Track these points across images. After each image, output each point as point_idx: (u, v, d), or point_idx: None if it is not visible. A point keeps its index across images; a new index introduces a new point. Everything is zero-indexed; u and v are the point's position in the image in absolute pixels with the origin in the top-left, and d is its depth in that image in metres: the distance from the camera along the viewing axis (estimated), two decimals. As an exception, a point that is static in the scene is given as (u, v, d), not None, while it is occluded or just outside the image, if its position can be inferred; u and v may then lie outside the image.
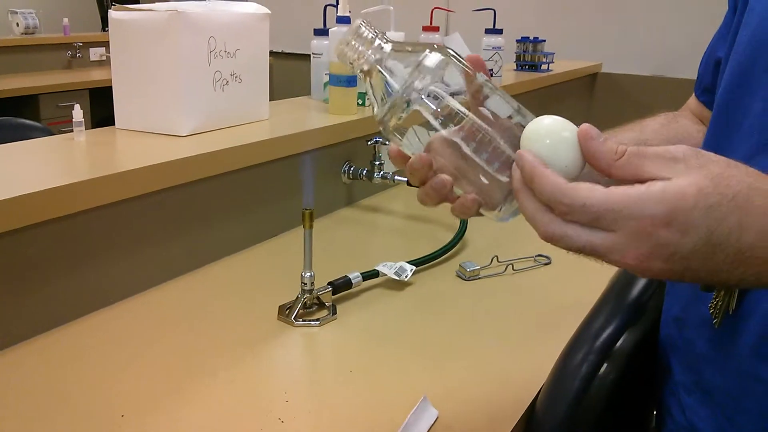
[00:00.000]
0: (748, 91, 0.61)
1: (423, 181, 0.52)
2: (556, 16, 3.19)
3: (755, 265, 0.42)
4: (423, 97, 0.49)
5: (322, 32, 1.50)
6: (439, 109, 0.49)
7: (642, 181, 0.42)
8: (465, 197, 0.51)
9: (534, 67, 2.36)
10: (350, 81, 1.37)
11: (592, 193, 0.42)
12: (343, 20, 1.34)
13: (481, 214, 0.53)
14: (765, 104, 0.59)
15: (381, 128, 0.52)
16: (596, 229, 0.42)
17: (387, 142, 1.37)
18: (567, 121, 0.46)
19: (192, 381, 0.76)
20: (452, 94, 0.49)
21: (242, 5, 1.24)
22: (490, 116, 0.49)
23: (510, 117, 0.50)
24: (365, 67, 0.52)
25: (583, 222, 0.43)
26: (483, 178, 0.50)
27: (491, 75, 1.88)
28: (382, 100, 0.51)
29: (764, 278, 0.43)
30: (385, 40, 0.52)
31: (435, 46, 0.50)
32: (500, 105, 0.50)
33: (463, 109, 0.49)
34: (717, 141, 0.65)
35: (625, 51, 3.04)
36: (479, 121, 0.49)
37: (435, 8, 2.03)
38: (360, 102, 1.45)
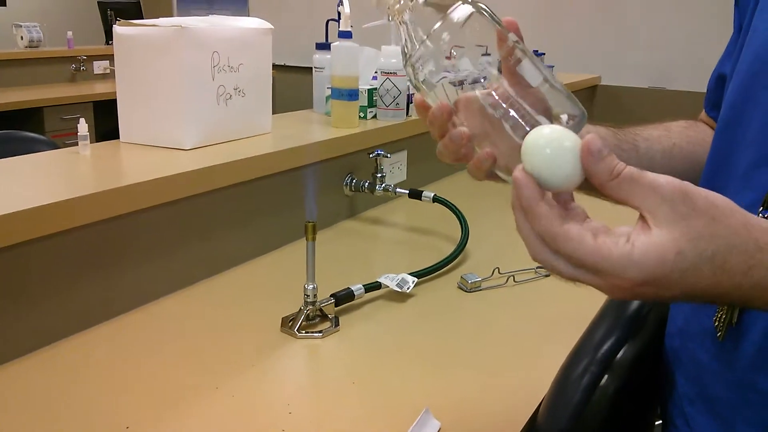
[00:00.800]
0: (750, 107, 0.62)
1: (442, 134, 0.52)
2: (555, 30, 3.21)
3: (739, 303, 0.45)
4: (449, 50, 0.48)
5: (323, 46, 1.52)
6: (465, 68, 0.49)
7: (628, 205, 0.44)
8: (481, 152, 0.51)
9: (534, 79, 2.37)
10: (352, 94, 1.38)
11: (580, 244, 0.43)
12: (345, 35, 1.35)
13: (496, 176, 0.52)
14: (765, 119, 0.60)
15: (409, 79, 0.51)
16: (582, 270, 0.45)
17: (389, 155, 1.38)
18: (568, 130, 0.46)
19: (195, 392, 0.76)
20: (483, 54, 0.48)
21: (245, 20, 1.25)
22: (519, 80, 0.48)
23: (539, 85, 0.49)
24: (399, 15, 0.52)
25: (569, 263, 0.45)
26: (506, 142, 0.49)
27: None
28: (411, 49, 0.51)
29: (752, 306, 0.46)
30: None
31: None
32: (531, 71, 0.49)
33: (493, 70, 0.48)
34: (720, 156, 0.66)
35: (623, 64, 3.06)
36: (507, 86, 0.48)
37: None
38: (362, 115, 1.46)
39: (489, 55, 0.49)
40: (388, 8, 0.52)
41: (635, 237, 0.43)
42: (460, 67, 0.49)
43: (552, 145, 0.45)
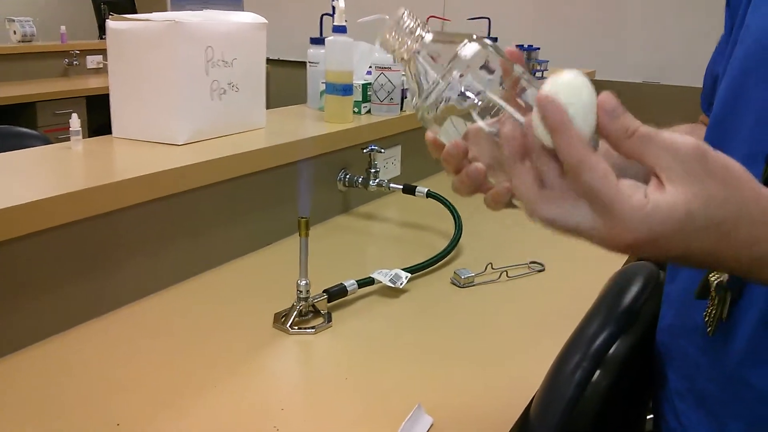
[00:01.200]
0: (741, 104, 0.63)
1: (458, 170, 0.52)
2: (550, 25, 3.21)
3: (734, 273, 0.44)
4: (461, 87, 0.49)
5: (318, 41, 1.51)
6: (476, 101, 0.49)
7: (643, 163, 0.43)
8: (499, 186, 0.50)
9: (529, 74, 2.37)
10: (346, 89, 1.38)
11: (604, 179, 0.42)
12: (340, 29, 1.35)
13: (513, 206, 0.52)
14: (757, 116, 0.60)
15: (418, 116, 0.52)
16: (587, 208, 0.43)
17: (382, 150, 1.37)
18: (586, 79, 0.45)
19: (187, 389, 0.76)
20: (490, 85, 0.49)
21: (239, 15, 1.25)
22: (527, 109, 0.49)
23: None
24: (405, 56, 0.53)
25: (579, 193, 0.43)
26: None
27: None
28: (420, 89, 0.52)
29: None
30: (426, 30, 0.53)
31: (474, 36, 0.50)
32: (534, 97, 0.50)
33: (500, 101, 0.49)
34: None
35: (618, 58, 3.06)
36: (516, 114, 0.49)
37: (430, 17, 2.04)
38: (356, 110, 1.46)
39: (497, 87, 0.49)
40: (393, 51, 0.53)
41: (650, 193, 0.42)
42: (470, 102, 0.49)
43: (573, 93, 0.44)
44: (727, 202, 0.42)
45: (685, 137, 0.42)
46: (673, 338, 0.70)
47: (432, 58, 0.52)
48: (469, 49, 0.49)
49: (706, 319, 0.62)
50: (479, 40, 0.50)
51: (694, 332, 0.65)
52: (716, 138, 0.66)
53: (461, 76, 0.49)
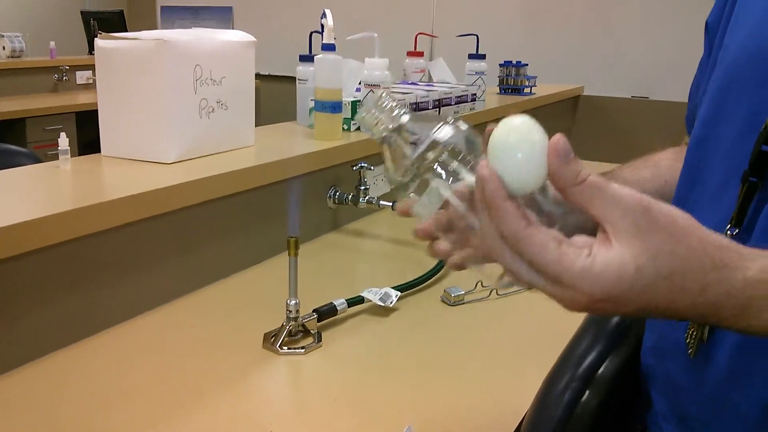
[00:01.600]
0: (721, 122, 0.63)
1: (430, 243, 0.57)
2: (538, 41, 3.24)
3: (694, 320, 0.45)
4: (434, 166, 0.51)
5: (307, 58, 1.52)
6: (449, 180, 0.51)
7: (589, 214, 0.44)
8: (466, 252, 0.54)
9: (517, 90, 2.39)
10: (335, 107, 1.38)
11: (543, 251, 0.43)
12: (328, 47, 1.35)
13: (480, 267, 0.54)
14: (736, 133, 0.61)
15: (393, 190, 0.54)
16: (541, 276, 0.44)
17: (372, 167, 1.38)
18: (536, 124, 0.45)
19: (176, 410, 0.75)
20: (462, 163, 0.51)
21: (228, 33, 1.25)
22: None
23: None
24: (382, 134, 0.55)
25: (530, 268, 0.44)
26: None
27: (474, 99, 1.90)
28: (395, 166, 0.54)
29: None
30: (404, 111, 0.55)
31: (450, 119, 0.53)
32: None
33: (471, 178, 0.50)
34: (692, 171, 0.67)
35: (606, 74, 3.08)
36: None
37: (419, 34, 2.05)
38: (345, 127, 1.46)
39: (469, 164, 0.51)
40: (371, 128, 0.55)
41: (596, 250, 0.43)
42: (442, 181, 0.52)
43: (522, 139, 0.44)
44: (673, 255, 0.42)
45: (631, 191, 0.43)
46: (657, 360, 0.70)
47: (408, 137, 0.54)
48: (443, 132, 0.51)
49: (688, 340, 0.63)
50: (454, 123, 0.52)
51: (676, 354, 0.65)
52: (697, 157, 0.67)
53: (434, 156, 0.51)
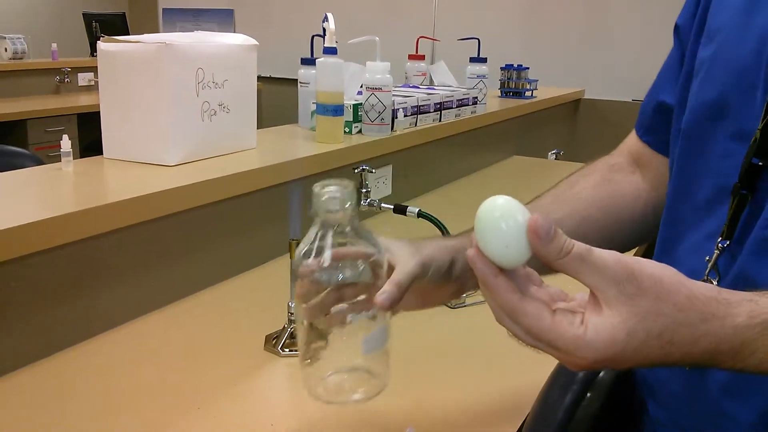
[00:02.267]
0: (708, 137, 0.63)
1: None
2: (539, 44, 3.24)
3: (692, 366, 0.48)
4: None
5: (309, 62, 1.52)
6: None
7: (579, 280, 0.46)
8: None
9: (518, 93, 2.39)
10: (337, 110, 1.39)
11: (537, 321, 0.46)
12: (330, 51, 1.36)
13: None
14: (722, 151, 0.62)
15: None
16: (540, 342, 0.48)
17: (373, 170, 1.38)
18: (518, 204, 0.48)
19: (177, 413, 0.76)
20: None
21: (230, 36, 1.26)
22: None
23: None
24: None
25: (528, 334, 0.48)
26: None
27: (476, 102, 1.90)
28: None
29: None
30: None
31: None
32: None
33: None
34: (680, 186, 0.67)
35: (606, 78, 3.09)
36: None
37: (420, 37, 2.06)
38: (347, 130, 1.47)
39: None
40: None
41: (588, 317, 0.46)
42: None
43: (507, 219, 0.47)
44: (661, 314, 0.45)
45: (615, 257, 0.46)
46: (654, 370, 0.70)
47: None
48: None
49: None
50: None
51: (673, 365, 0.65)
52: (685, 172, 0.67)
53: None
